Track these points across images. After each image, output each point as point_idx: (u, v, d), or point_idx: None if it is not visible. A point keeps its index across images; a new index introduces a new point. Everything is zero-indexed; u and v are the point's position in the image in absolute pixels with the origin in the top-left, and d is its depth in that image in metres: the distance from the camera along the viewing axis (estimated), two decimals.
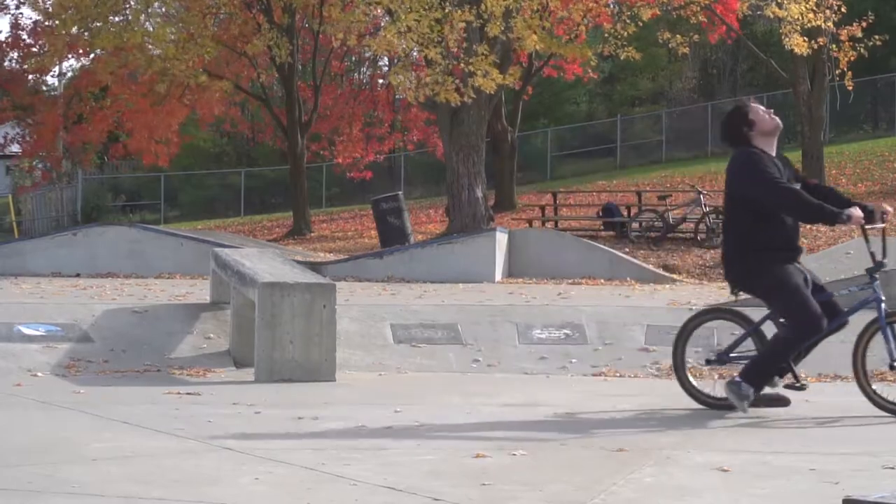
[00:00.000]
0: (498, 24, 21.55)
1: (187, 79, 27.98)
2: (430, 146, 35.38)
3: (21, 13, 32.14)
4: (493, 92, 22.38)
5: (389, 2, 21.94)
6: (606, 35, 26.71)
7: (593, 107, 47.11)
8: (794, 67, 27.10)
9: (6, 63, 31.83)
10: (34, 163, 36.16)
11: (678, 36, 27.44)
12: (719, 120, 8.55)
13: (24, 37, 32.10)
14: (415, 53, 24.58)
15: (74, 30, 27.34)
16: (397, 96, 34.21)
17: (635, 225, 23.72)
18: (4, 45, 32.07)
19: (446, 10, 21.71)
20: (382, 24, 25.56)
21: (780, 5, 23.59)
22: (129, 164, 44.20)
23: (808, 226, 24.19)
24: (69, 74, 36.21)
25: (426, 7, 21.45)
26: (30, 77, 31.99)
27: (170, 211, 43.86)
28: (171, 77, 27.73)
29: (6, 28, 32.41)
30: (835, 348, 10.79)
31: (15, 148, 35.04)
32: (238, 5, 29.11)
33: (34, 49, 31.02)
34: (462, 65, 21.94)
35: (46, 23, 29.57)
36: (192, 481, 5.78)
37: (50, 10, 28.06)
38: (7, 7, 32.98)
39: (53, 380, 9.68)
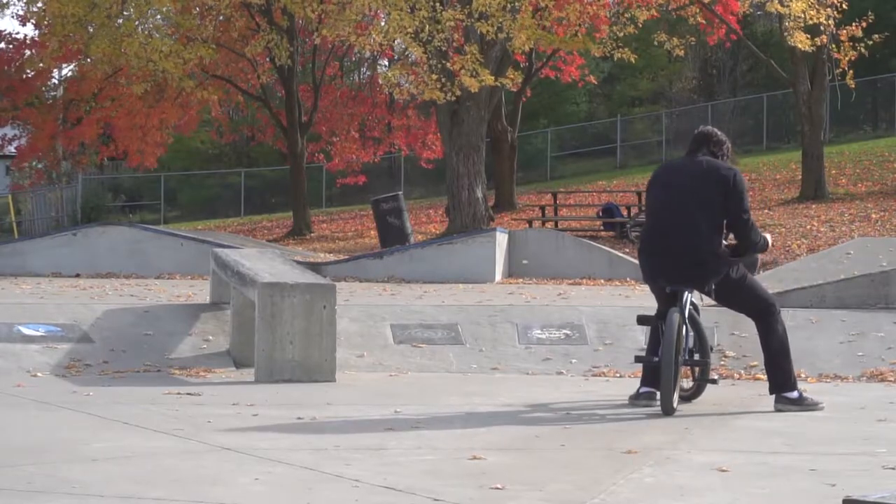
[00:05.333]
0: (491, 22, 21.53)
1: (177, 84, 27.91)
2: (419, 154, 34.86)
3: (17, 30, 32.09)
4: (475, 90, 22.27)
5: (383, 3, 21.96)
6: (603, 38, 26.67)
7: (593, 107, 47.11)
8: (794, 67, 27.08)
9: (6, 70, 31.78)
10: (32, 163, 36.16)
11: (674, 38, 27.40)
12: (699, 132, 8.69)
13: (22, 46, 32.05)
14: (413, 56, 24.57)
15: (70, 34, 27.26)
16: (395, 97, 34.27)
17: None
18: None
19: (437, 10, 21.70)
20: (383, 21, 25.55)
21: (781, 2, 23.59)
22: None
23: (808, 226, 24.28)
24: (67, 75, 36.18)
25: (412, 7, 21.45)
26: (31, 83, 31.92)
27: (170, 211, 43.86)
28: (160, 79, 27.68)
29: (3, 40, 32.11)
30: (837, 349, 10.80)
31: (13, 148, 35.02)
32: (237, 6, 29.09)
33: (33, 56, 30.96)
34: (449, 64, 21.92)
35: (44, 24, 29.51)
36: (192, 481, 5.78)
37: (46, 16, 27.98)
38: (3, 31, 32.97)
39: (53, 380, 9.68)
